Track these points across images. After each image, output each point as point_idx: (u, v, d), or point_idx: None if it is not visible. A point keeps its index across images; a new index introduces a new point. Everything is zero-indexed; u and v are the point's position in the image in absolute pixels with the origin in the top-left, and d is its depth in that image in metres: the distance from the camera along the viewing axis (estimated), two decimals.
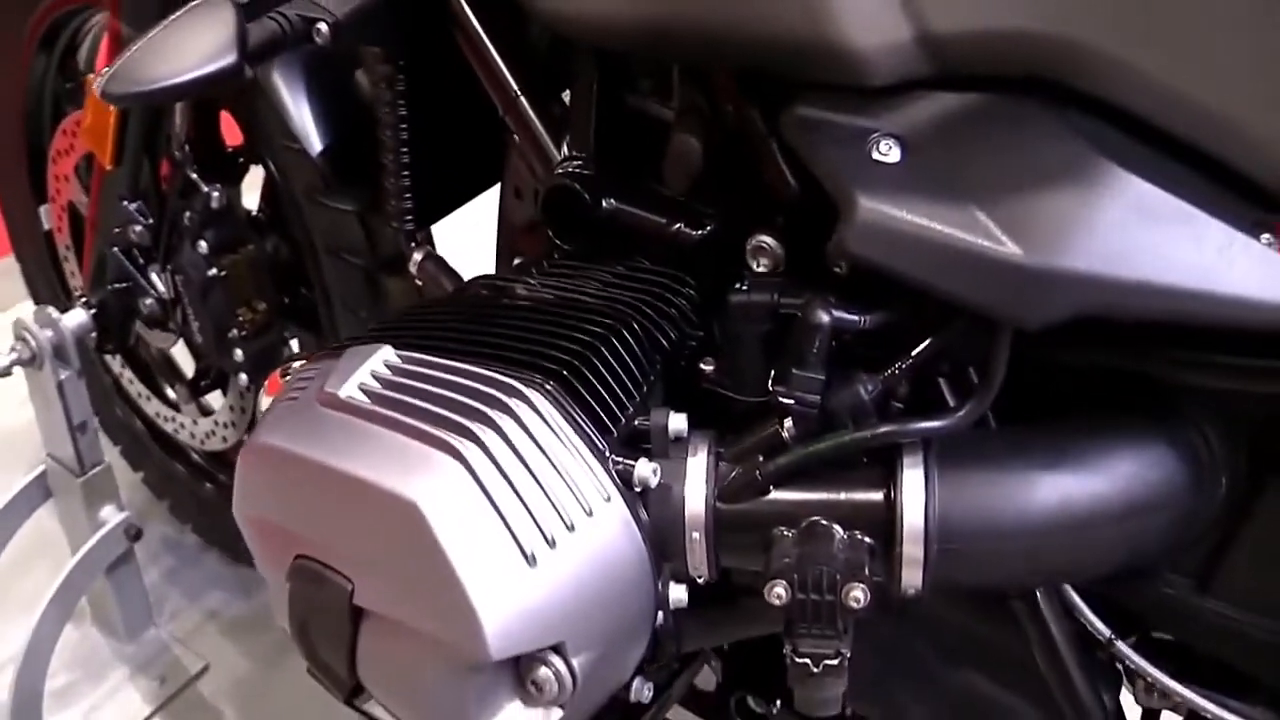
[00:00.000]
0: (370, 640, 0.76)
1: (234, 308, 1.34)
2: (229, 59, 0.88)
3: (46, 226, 1.70)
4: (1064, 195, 0.68)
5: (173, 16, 0.92)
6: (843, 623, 0.74)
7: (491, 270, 1.09)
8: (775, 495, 0.78)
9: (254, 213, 1.38)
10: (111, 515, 1.50)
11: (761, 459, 0.78)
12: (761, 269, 0.82)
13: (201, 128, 1.32)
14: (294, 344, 1.41)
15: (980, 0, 0.69)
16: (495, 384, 0.75)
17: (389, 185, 1.10)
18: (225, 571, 1.77)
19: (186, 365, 1.62)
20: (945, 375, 0.81)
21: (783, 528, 0.77)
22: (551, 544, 0.71)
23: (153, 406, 1.68)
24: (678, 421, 0.78)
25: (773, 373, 0.78)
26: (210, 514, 1.72)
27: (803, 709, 0.78)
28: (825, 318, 0.75)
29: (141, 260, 1.37)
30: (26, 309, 1.42)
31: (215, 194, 1.29)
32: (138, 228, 1.34)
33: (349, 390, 0.77)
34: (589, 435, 0.75)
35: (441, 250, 1.14)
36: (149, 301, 1.37)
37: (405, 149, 1.07)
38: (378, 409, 0.75)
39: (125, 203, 1.33)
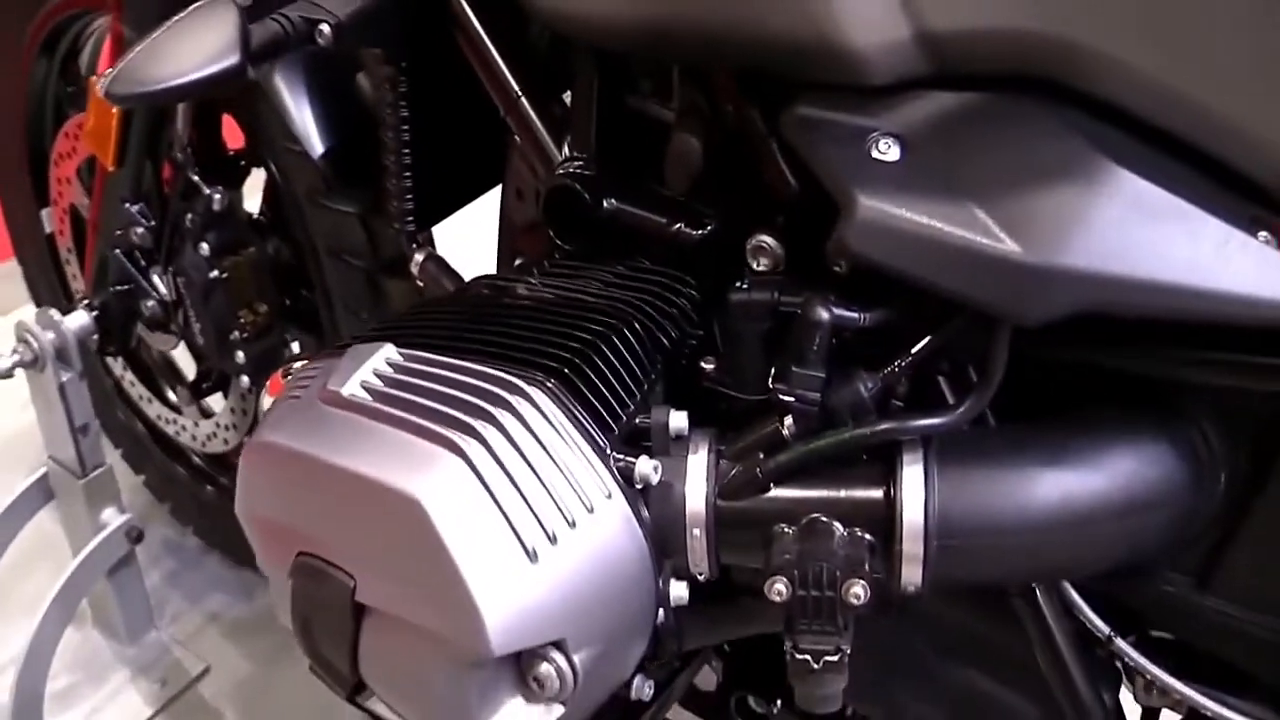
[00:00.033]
0: (372, 637, 0.76)
1: (235, 309, 1.35)
2: (232, 60, 0.89)
3: (48, 229, 1.71)
4: (1062, 193, 0.68)
5: (176, 18, 0.92)
6: (843, 619, 0.75)
7: (493, 271, 1.09)
8: (775, 492, 0.78)
9: (255, 215, 1.39)
10: (113, 517, 1.51)
11: (762, 456, 0.78)
12: (761, 268, 0.82)
13: (203, 130, 1.32)
14: (295, 346, 1.41)
15: (979, 0, 0.70)
16: (497, 381, 0.75)
17: (390, 186, 1.10)
18: (226, 574, 1.77)
19: (188, 368, 1.63)
20: (945, 374, 0.82)
21: (783, 525, 0.77)
22: (553, 540, 0.71)
23: (154, 409, 1.69)
24: (678, 419, 0.79)
25: (773, 371, 0.78)
26: (211, 516, 1.73)
27: (803, 705, 0.78)
28: (825, 315, 0.75)
29: (143, 262, 1.37)
30: (28, 312, 1.42)
31: (217, 196, 1.29)
32: (139, 230, 1.34)
33: (351, 388, 0.77)
34: (590, 433, 0.75)
35: (442, 252, 1.14)
36: (150, 303, 1.38)
37: (407, 150, 1.08)
38: (380, 406, 0.75)
39: (127, 205, 1.34)
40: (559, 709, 0.75)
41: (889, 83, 0.73)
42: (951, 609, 0.91)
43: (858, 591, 0.74)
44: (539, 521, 0.71)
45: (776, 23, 0.73)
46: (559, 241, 0.94)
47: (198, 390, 1.59)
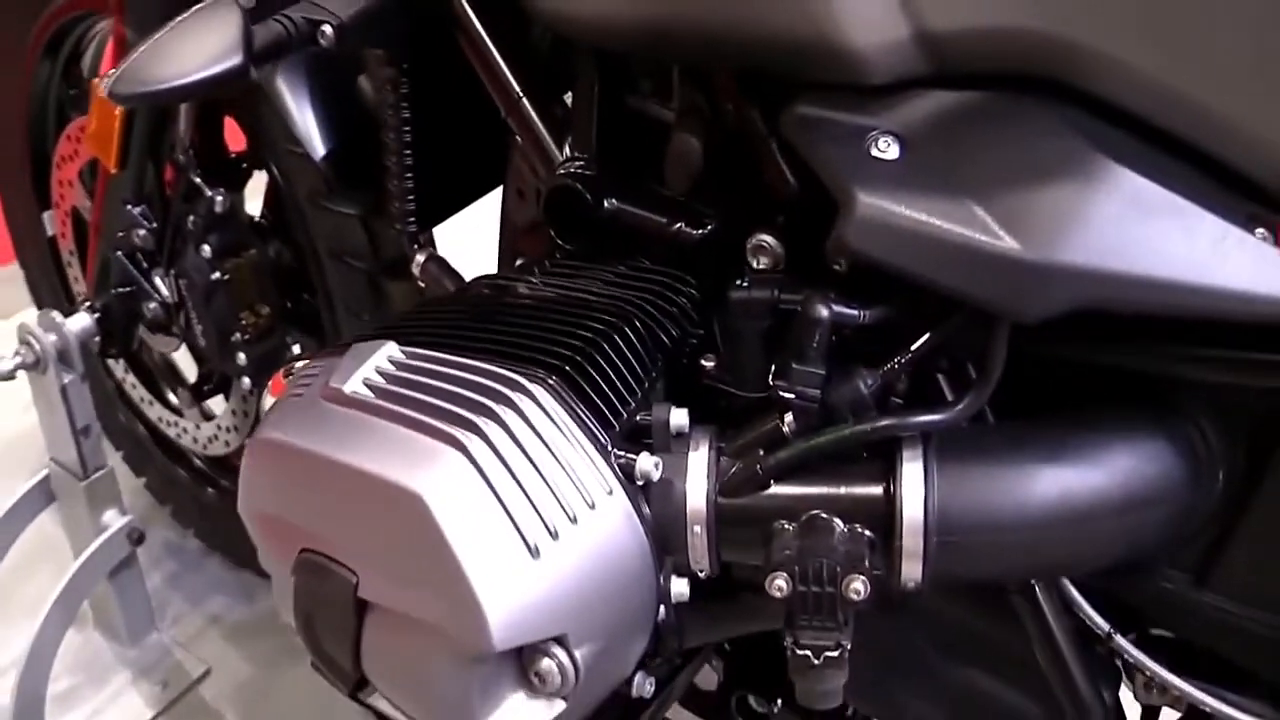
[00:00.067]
0: (374, 633, 0.77)
1: (237, 311, 1.35)
2: (235, 60, 0.90)
3: (50, 232, 1.71)
4: (1061, 190, 0.69)
5: (178, 19, 0.93)
6: (843, 615, 0.75)
7: (493, 271, 1.09)
8: (776, 489, 0.79)
9: (257, 218, 1.39)
10: (114, 519, 1.51)
11: (762, 453, 0.79)
12: (762, 267, 0.83)
13: (205, 133, 1.33)
14: (296, 349, 1.42)
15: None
16: (499, 378, 0.75)
17: (392, 187, 1.10)
18: (227, 576, 1.77)
19: (189, 371, 1.64)
20: (944, 371, 0.82)
21: (783, 521, 0.78)
22: (554, 536, 0.71)
23: (155, 411, 1.69)
24: (679, 417, 0.79)
25: (773, 368, 0.79)
26: (212, 519, 1.73)
27: (803, 701, 0.78)
28: (825, 312, 0.75)
29: (145, 264, 1.38)
30: (30, 316, 1.43)
31: (219, 198, 1.30)
32: (141, 232, 1.34)
33: (353, 385, 0.78)
34: (592, 429, 0.75)
35: (443, 253, 1.15)
36: (152, 305, 1.38)
37: (408, 151, 1.08)
38: (382, 403, 0.76)
39: (129, 207, 1.34)
40: (560, 704, 0.75)
41: (888, 82, 0.73)
42: (951, 607, 0.91)
43: (858, 587, 0.74)
44: (540, 517, 0.71)
45: (776, 22, 0.74)
46: (560, 241, 0.95)
47: (199, 392, 1.59)
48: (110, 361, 1.67)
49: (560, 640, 0.73)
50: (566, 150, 0.97)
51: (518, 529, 0.71)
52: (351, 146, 1.22)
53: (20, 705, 1.43)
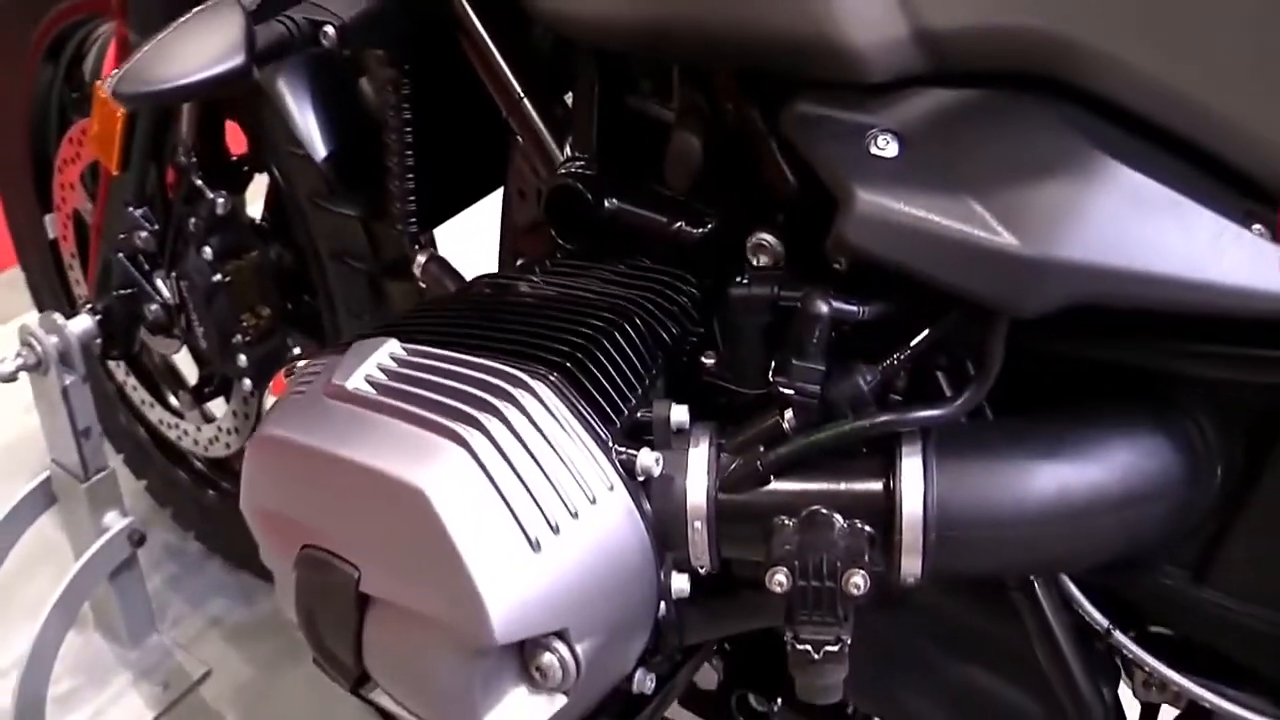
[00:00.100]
0: (376, 627, 0.77)
1: (238, 313, 1.35)
2: (238, 60, 0.90)
3: (51, 235, 1.72)
4: (1059, 187, 0.69)
5: (181, 20, 0.93)
6: (843, 609, 0.75)
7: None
8: (776, 485, 0.79)
9: (257, 221, 1.40)
10: (115, 521, 1.51)
11: (762, 449, 0.79)
12: (762, 265, 0.83)
13: (207, 135, 1.33)
14: (296, 351, 1.42)
15: None
16: (500, 374, 0.76)
17: (393, 188, 1.11)
18: (228, 578, 1.78)
19: (189, 374, 1.64)
20: (943, 368, 0.83)
21: (783, 517, 0.78)
22: (555, 530, 0.72)
23: (156, 414, 1.69)
24: (679, 413, 0.79)
25: (773, 364, 0.79)
26: (213, 521, 1.73)
27: (803, 696, 0.78)
28: (824, 308, 0.76)
29: (146, 266, 1.38)
30: (31, 320, 1.43)
31: (220, 200, 1.30)
32: (143, 233, 1.35)
33: (355, 382, 0.78)
34: (592, 425, 0.76)
35: (443, 254, 1.15)
36: (154, 307, 1.38)
37: (410, 152, 1.09)
38: (384, 399, 0.76)
39: (131, 209, 1.34)
40: (561, 699, 0.75)
41: (888, 80, 0.74)
42: (951, 603, 0.92)
43: (858, 582, 0.74)
44: (542, 511, 0.72)
45: (776, 21, 0.74)
46: (561, 241, 0.95)
47: (200, 395, 1.60)
48: (111, 364, 1.68)
49: (561, 635, 0.73)
50: (567, 150, 0.97)
51: (519, 523, 0.71)
52: (352, 148, 1.23)
53: (21, 706, 1.43)
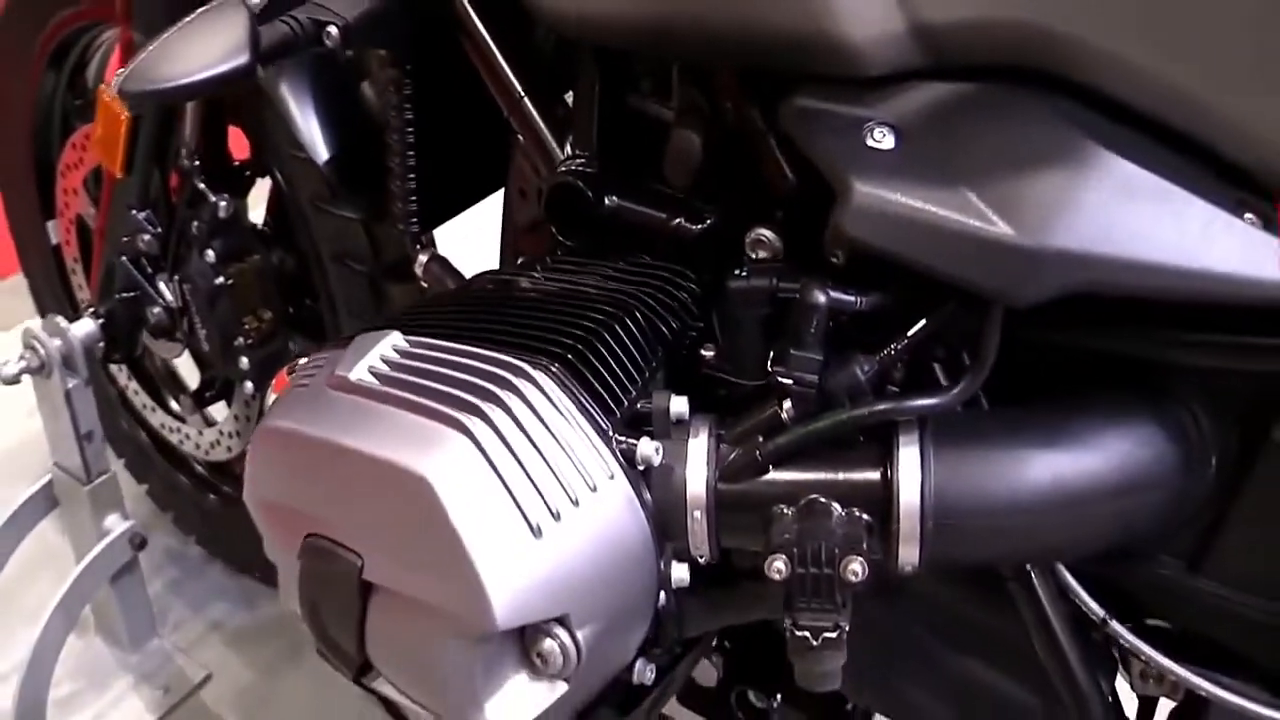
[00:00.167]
0: (379, 615, 0.77)
1: (240, 316, 1.36)
2: (243, 59, 0.91)
3: (54, 241, 1.73)
4: (1053, 177, 0.70)
5: (186, 20, 0.95)
6: (841, 596, 0.76)
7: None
8: (774, 475, 0.80)
9: (259, 226, 1.40)
10: (116, 524, 1.52)
11: (761, 439, 0.80)
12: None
13: (209, 139, 1.34)
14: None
15: None
16: (502, 365, 0.77)
17: (395, 188, 1.12)
18: (228, 583, 1.78)
19: (190, 378, 1.65)
20: (939, 359, 0.83)
21: (782, 506, 0.79)
22: (556, 517, 0.72)
23: (158, 418, 1.70)
24: (679, 404, 0.80)
25: (771, 355, 0.80)
26: (214, 526, 1.74)
27: (802, 683, 0.79)
28: (822, 298, 0.77)
29: (149, 269, 1.39)
30: (35, 325, 1.44)
31: (223, 204, 1.31)
32: (146, 236, 1.36)
33: (359, 373, 0.79)
34: (593, 415, 0.77)
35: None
36: (156, 310, 1.39)
37: (411, 152, 1.10)
38: (387, 390, 0.77)
39: (134, 212, 1.35)
40: (562, 686, 0.76)
41: (884, 74, 0.75)
42: (948, 595, 0.92)
43: (855, 568, 0.75)
44: (543, 499, 0.72)
45: (775, 18, 0.76)
46: (561, 238, 0.96)
47: (201, 399, 1.60)
48: (113, 369, 1.69)
49: (562, 621, 0.74)
50: (568, 149, 0.98)
51: (520, 510, 0.72)
52: (354, 151, 1.24)
53: (22, 710, 1.44)
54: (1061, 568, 0.86)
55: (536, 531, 0.72)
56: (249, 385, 1.42)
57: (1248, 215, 0.69)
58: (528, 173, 1.08)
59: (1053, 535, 0.80)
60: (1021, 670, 0.91)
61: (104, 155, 1.35)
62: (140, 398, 1.70)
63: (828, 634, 0.76)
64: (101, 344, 1.43)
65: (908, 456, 0.77)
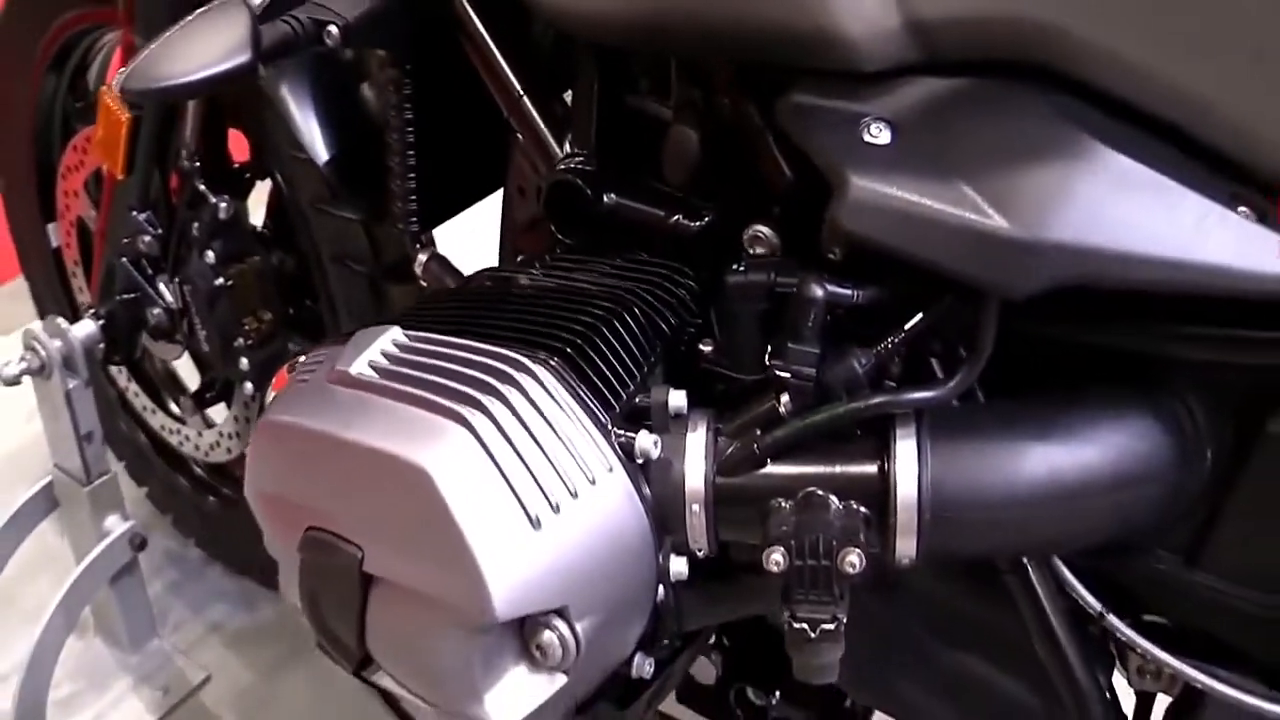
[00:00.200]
0: (379, 608, 0.78)
1: (240, 317, 1.37)
2: (244, 57, 0.92)
3: (55, 244, 1.73)
4: (1047, 171, 0.71)
5: (188, 19, 0.95)
6: (838, 588, 0.76)
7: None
8: (772, 468, 0.80)
9: (259, 228, 1.41)
10: (116, 525, 1.52)
11: (759, 433, 0.80)
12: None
13: (210, 140, 1.35)
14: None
15: None
16: (502, 359, 0.77)
17: (395, 187, 1.12)
18: (228, 584, 1.78)
19: (190, 380, 1.65)
20: (936, 354, 0.84)
21: (780, 499, 0.79)
22: (555, 509, 0.73)
23: (157, 419, 1.70)
24: (678, 398, 0.80)
25: (769, 349, 0.81)
26: (213, 527, 1.74)
27: (800, 676, 0.79)
28: (819, 292, 0.77)
29: (150, 270, 1.39)
30: (35, 327, 1.44)
31: (223, 205, 1.32)
32: (146, 238, 1.36)
33: (359, 368, 0.79)
34: (592, 408, 0.77)
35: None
36: (156, 312, 1.39)
37: (411, 151, 1.10)
38: (387, 383, 0.77)
39: (135, 213, 1.36)
40: (561, 678, 0.76)
41: (881, 69, 0.76)
42: (946, 590, 0.93)
43: (853, 560, 0.75)
44: (542, 491, 0.73)
45: (772, 13, 0.76)
46: (560, 236, 0.97)
47: (201, 400, 1.61)
48: (112, 371, 1.69)
49: (561, 613, 0.74)
50: (566, 147, 0.99)
51: (520, 501, 0.72)
52: (354, 152, 1.24)
53: (21, 711, 1.44)
54: (1058, 562, 0.86)
55: (536, 523, 0.72)
56: (249, 386, 1.42)
57: (1242, 208, 0.70)
58: (527, 171, 1.08)
59: (1049, 528, 0.80)
60: (1019, 666, 0.91)
61: (105, 156, 1.36)
62: (140, 400, 1.71)
63: (825, 626, 0.76)
64: (102, 345, 1.44)
65: (905, 449, 0.77)
